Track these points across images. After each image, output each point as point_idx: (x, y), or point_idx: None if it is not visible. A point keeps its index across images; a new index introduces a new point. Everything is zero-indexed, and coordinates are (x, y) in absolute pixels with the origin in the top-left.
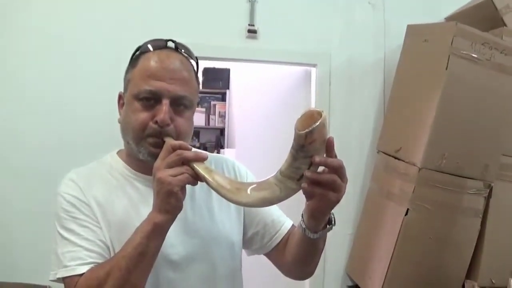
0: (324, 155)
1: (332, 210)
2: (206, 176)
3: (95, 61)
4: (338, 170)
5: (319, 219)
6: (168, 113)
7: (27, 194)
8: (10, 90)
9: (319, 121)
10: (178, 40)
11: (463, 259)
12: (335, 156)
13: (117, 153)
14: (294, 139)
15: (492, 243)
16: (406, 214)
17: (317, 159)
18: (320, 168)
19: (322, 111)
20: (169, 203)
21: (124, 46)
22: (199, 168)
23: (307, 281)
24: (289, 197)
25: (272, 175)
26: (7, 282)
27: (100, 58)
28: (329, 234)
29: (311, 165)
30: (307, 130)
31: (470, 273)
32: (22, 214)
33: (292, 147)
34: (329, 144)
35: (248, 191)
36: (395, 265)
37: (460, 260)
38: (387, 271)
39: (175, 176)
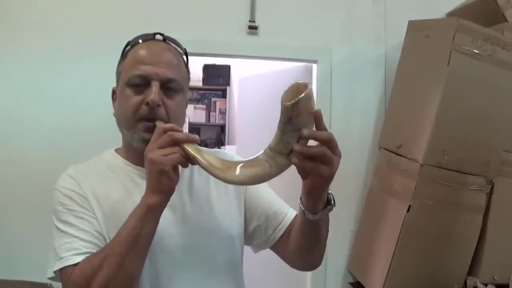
0: (314, 129)
1: (333, 204)
2: (197, 156)
3: (95, 59)
4: (328, 143)
5: (316, 198)
6: (158, 93)
7: (28, 191)
8: (10, 90)
9: (304, 92)
10: (179, 36)
11: (465, 255)
12: (325, 129)
13: (115, 150)
14: (281, 113)
15: (494, 239)
16: (408, 210)
17: (305, 132)
18: (313, 144)
19: (308, 83)
20: (161, 183)
21: (123, 42)
22: (190, 149)
23: (308, 277)
24: (280, 173)
25: (262, 151)
26: (8, 279)
27: (100, 55)
28: (330, 230)
29: (300, 139)
30: (293, 102)
31: (472, 269)
32: (22, 211)
33: (280, 121)
34: (317, 117)
35: (238, 169)
36: (397, 261)
37: (462, 256)
38: (389, 267)
39: (167, 155)
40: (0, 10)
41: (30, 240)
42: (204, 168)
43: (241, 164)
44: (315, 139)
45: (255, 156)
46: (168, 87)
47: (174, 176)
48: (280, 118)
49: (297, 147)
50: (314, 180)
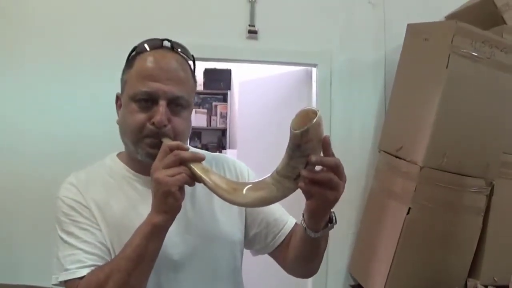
0: (321, 154)
1: (333, 209)
2: (203, 176)
3: (95, 63)
4: (335, 169)
5: (319, 218)
6: (165, 114)
7: (30, 195)
8: (11, 94)
9: (315, 120)
10: (178, 41)
11: (465, 257)
12: (332, 155)
13: (117, 155)
14: (290, 139)
15: (494, 241)
16: (408, 213)
17: (313, 158)
18: (318, 167)
19: (318, 110)
20: (167, 203)
21: (125, 48)
22: (196, 168)
23: (310, 280)
24: (286, 196)
25: (269, 174)
26: (11, 284)
27: (100, 60)
28: (331, 233)
29: (308, 164)
30: (302, 130)
31: (472, 271)
32: (25, 215)
33: (288, 146)
34: (325, 143)
35: (244, 191)
36: (397, 264)
37: (462, 258)
38: (389, 270)
39: (173, 176)
40: (6, 23)
41: (34, 245)
42: (210, 189)
43: (247, 186)
44: (322, 165)
45: (261, 179)
46: (175, 103)
47: (180, 196)
48: (289, 144)
49: (304, 172)
50: (318, 203)
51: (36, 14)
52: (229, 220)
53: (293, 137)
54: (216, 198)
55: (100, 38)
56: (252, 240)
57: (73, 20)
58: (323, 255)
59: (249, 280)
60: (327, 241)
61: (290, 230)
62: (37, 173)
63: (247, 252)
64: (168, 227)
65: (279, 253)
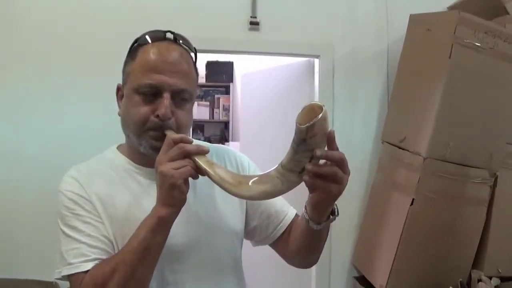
0: (326, 148)
1: (337, 201)
2: (208, 169)
3: (95, 55)
4: (339, 163)
5: (322, 210)
6: (169, 107)
7: (33, 190)
8: (12, 90)
9: (320, 115)
10: (180, 33)
11: (469, 248)
12: (336, 149)
13: (117, 148)
14: (295, 133)
15: (497, 232)
16: (412, 204)
17: (318, 152)
18: (322, 161)
19: (323, 105)
20: (172, 196)
21: (125, 40)
22: (201, 161)
23: (313, 272)
24: (291, 189)
25: (273, 168)
26: (14, 278)
27: (100, 52)
28: (334, 225)
29: (312, 158)
30: (308, 124)
31: (476, 262)
32: (28, 211)
33: (293, 140)
34: (330, 137)
35: (250, 185)
36: (401, 255)
37: (466, 249)
38: (393, 261)
39: (178, 169)
40: (4, 26)
41: (36, 240)
42: (215, 182)
43: (252, 180)
44: (327, 159)
45: (266, 172)
46: (179, 96)
47: (185, 188)
48: (294, 138)
49: (309, 166)
50: (322, 196)
51: (33, 14)
52: (230, 211)
53: (298, 132)
54: (217, 189)
55: (99, 31)
56: (253, 231)
57: (73, 13)
58: (323, 246)
59: (252, 271)
60: (328, 232)
61: (291, 221)
62: (38, 168)
63: (248, 243)
64: (174, 220)
65: (279, 244)
